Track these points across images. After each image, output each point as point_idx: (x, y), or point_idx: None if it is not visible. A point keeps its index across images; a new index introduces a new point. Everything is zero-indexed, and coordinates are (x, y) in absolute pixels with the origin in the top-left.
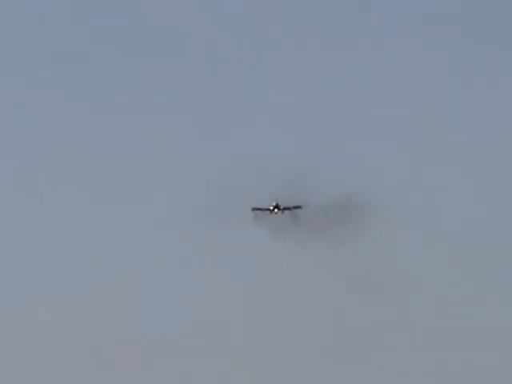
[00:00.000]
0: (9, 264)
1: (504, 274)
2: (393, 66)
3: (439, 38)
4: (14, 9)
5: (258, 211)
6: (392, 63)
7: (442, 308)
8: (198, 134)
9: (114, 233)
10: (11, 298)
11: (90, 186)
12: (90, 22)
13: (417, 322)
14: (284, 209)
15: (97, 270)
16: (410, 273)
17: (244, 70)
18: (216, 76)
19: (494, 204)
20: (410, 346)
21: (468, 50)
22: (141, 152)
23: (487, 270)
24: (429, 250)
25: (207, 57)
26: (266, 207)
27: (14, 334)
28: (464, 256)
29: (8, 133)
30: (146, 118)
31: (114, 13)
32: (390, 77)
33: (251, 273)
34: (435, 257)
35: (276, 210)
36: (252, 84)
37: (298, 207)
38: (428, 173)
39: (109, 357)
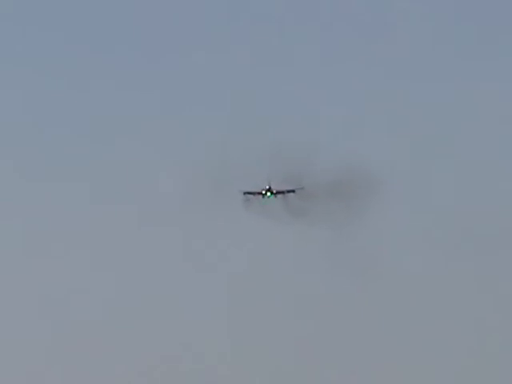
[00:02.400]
0: (8, 264)
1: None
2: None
3: (440, 37)
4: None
5: (250, 195)
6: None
7: (442, 292)
8: (202, 128)
9: (114, 232)
10: (11, 299)
11: (90, 186)
12: (90, 24)
13: (418, 307)
14: (277, 193)
15: (97, 270)
16: (407, 261)
17: (247, 66)
18: (216, 75)
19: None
20: (409, 331)
21: (469, 50)
22: (141, 151)
23: (489, 256)
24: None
25: (207, 56)
26: (258, 191)
27: (13, 334)
28: (468, 241)
29: (8, 133)
30: (146, 118)
31: (114, 14)
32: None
33: (251, 259)
34: (433, 246)
35: (268, 194)
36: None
37: (292, 191)
38: (429, 159)
39: (108, 356)
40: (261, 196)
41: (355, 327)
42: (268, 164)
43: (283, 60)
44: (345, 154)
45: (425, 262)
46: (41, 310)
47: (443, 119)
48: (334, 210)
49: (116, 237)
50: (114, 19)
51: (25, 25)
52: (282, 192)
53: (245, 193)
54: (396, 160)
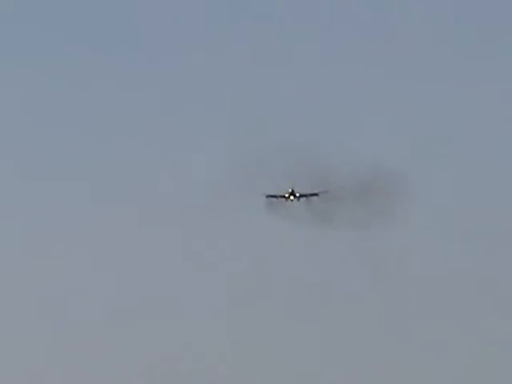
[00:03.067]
0: (9, 264)
1: None
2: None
3: (440, 37)
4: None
5: (273, 198)
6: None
7: (463, 294)
8: (202, 128)
9: (114, 232)
10: (11, 299)
11: (90, 186)
12: (90, 24)
13: (439, 310)
14: (300, 196)
15: (97, 270)
16: (415, 263)
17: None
18: (216, 75)
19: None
20: (427, 333)
21: (469, 50)
22: (141, 151)
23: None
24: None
25: (207, 56)
26: (281, 194)
27: (13, 334)
28: (470, 241)
29: (8, 133)
30: (146, 118)
31: (114, 14)
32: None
33: (266, 262)
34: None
35: (292, 197)
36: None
37: (315, 194)
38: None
39: (108, 356)
40: (283, 199)
41: (357, 329)
42: (284, 165)
43: (283, 60)
44: (365, 156)
45: (425, 262)
46: (41, 310)
47: (443, 119)
48: (358, 213)
49: (116, 237)
50: (114, 19)
51: (25, 25)
52: (306, 195)
53: (268, 196)
54: (396, 160)
